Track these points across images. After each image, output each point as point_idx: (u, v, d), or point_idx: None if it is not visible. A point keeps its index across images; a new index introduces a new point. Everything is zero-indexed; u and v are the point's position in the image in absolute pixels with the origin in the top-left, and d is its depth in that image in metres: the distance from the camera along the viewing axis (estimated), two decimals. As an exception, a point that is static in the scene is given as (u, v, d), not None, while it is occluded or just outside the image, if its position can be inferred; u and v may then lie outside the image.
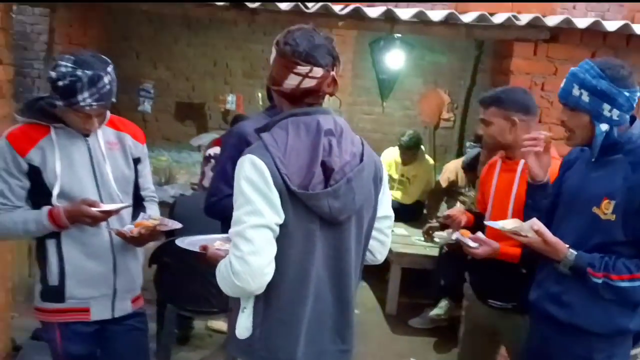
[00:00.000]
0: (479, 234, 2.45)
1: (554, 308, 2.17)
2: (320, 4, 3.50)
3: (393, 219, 2.00)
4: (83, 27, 6.24)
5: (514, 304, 2.52)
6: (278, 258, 1.68)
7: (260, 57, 7.30)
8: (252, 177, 1.65)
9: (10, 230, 2.15)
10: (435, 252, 4.70)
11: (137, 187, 2.41)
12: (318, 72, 1.70)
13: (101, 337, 2.32)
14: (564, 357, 2.19)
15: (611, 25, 3.52)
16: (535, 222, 2.08)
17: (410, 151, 5.55)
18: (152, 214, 2.35)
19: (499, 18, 3.55)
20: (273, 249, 1.66)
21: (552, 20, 3.55)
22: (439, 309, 4.71)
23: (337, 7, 3.56)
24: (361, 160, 1.78)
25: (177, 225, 2.32)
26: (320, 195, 1.71)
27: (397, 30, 3.69)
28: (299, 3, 3.45)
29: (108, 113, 2.29)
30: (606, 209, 2.00)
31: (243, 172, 1.66)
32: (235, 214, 1.67)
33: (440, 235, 4.34)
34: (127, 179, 2.34)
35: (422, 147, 5.71)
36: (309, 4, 3.52)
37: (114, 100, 2.19)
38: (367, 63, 6.89)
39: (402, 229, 5.34)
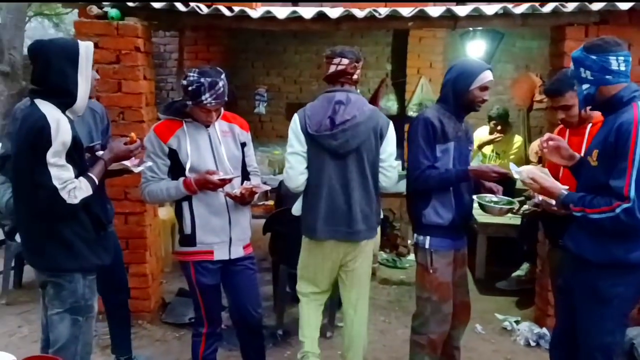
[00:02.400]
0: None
1: (570, 243, 2.68)
2: (390, 9, 4.14)
3: (394, 163, 3.08)
4: (206, 45, 7.30)
5: None
6: (308, 171, 3.04)
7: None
8: (292, 124, 3.01)
9: (158, 195, 3.03)
10: (518, 221, 5.05)
11: (244, 164, 3.21)
12: (344, 62, 2.96)
13: (223, 273, 3.14)
14: (577, 285, 2.65)
15: (655, 4, 3.85)
16: (530, 171, 2.65)
17: (498, 123, 5.93)
18: (253, 182, 3.15)
19: (547, 7, 4.00)
20: (302, 165, 3.02)
21: (596, 6, 3.93)
22: (521, 271, 5.19)
23: (404, 10, 4.18)
24: (360, 121, 2.98)
25: (267, 187, 3.12)
26: (323, 136, 3.02)
27: (459, 26, 4.23)
28: (372, 10, 4.12)
29: (222, 109, 3.13)
30: (594, 157, 2.52)
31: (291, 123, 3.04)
32: None
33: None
34: (237, 158, 3.15)
35: (511, 124, 6.09)
36: (381, 10, 4.17)
37: (226, 99, 3.00)
38: (459, 54, 7.35)
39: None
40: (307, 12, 4.16)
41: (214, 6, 4.12)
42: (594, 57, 2.46)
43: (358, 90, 3.23)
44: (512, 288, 5.19)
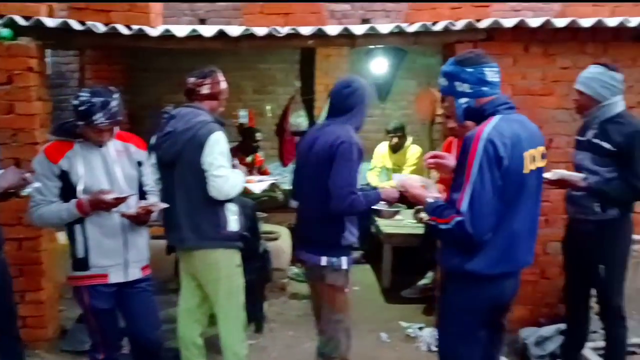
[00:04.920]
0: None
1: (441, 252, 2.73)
2: (289, 27, 4.22)
3: (214, 172, 3.10)
4: (108, 64, 7.14)
5: None
6: None
7: (268, 75, 8.07)
8: None
9: (49, 218, 2.93)
10: (421, 230, 5.19)
11: (141, 184, 3.17)
12: (191, 80, 3.32)
13: (119, 297, 3.06)
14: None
15: (534, 22, 4.12)
16: (401, 180, 2.76)
17: (396, 135, 6.23)
18: (149, 201, 3.11)
19: (438, 26, 4.20)
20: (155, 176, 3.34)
21: (483, 23, 4.17)
22: (426, 279, 5.36)
23: (304, 29, 4.26)
24: (178, 132, 3.17)
25: (164, 205, 3.09)
26: (151, 148, 3.30)
27: (357, 44, 4.36)
28: (272, 29, 4.18)
29: (115, 129, 3.07)
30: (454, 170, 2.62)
31: None
32: None
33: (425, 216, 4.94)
34: (133, 177, 3.10)
35: (407, 136, 6.39)
36: (280, 29, 4.23)
37: (120, 118, 2.95)
38: (365, 71, 7.56)
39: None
40: (207, 30, 4.16)
41: (111, 24, 4.04)
42: (469, 69, 2.45)
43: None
44: (417, 296, 5.34)
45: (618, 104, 3.31)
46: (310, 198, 3.17)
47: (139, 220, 3.00)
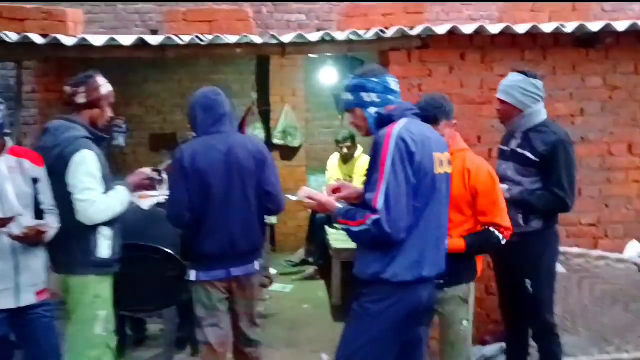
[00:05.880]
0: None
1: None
2: (214, 35, 4.06)
3: (78, 196, 2.85)
4: (57, 77, 6.92)
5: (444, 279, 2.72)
6: None
7: (223, 86, 7.85)
8: None
9: None
10: None
11: (38, 202, 2.96)
12: (66, 89, 3.03)
13: (12, 324, 2.86)
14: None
15: (467, 29, 3.99)
16: (305, 191, 2.62)
17: (345, 145, 6.10)
18: (40, 221, 2.90)
19: (369, 34, 4.05)
20: None
21: (415, 31, 4.03)
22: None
23: (232, 38, 4.11)
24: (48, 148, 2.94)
25: (56, 226, 2.89)
26: None
27: (287, 52, 4.20)
28: (195, 36, 4.01)
29: (8, 143, 2.88)
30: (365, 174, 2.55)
31: None
32: None
33: None
34: (27, 195, 2.89)
35: (357, 146, 6.24)
36: (206, 37, 4.07)
37: (7, 131, 2.78)
38: (319, 82, 7.44)
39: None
40: (126, 39, 3.99)
41: (23, 34, 3.86)
42: (375, 79, 2.51)
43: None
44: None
45: (541, 112, 3.20)
46: None
47: (28, 241, 2.80)
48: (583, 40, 4.16)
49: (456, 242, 2.84)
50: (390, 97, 2.52)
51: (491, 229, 2.88)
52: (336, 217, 2.53)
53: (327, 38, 4.08)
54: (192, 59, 6.63)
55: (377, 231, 2.30)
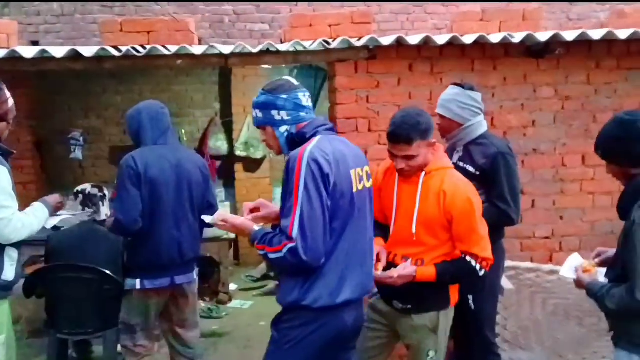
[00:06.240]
0: (393, 271, 2.63)
1: None
2: (150, 46, 3.91)
3: None
4: (13, 88, 6.72)
5: (411, 305, 2.71)
6: None
7: (185, 97, 7.73)
8: None
9: None
10: None
11: None
12: None
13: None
14: None
15: (413, 40, 3.89)
16: (220, 214, 2.47)
17: None
18: None
19: (314, 45, 3.93)
20: None
21: (361, 41, 3.91)
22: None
23: (172, 48, 3.96)
24: None
25: None
26: None
27: (230, 64, 4.06)
28: (131, 47, 3.87)
29: None
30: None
31: None
32: None
33: None
34: None
35: None
36: (140, 48, 3.92)
37: None
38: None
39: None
40: (58, 51, 3.84)
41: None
42: (284, 96, 2.32)
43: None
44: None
45: (482, 125, 3.10)
46: None
47: None
48: (534, 50, 4.07)
49: (426, 270, 2.63)
50: (301, 113, 2.36)
51: (467, 258, 2.64)
52: (252, 241, 2.36)
53: (272, 49, 3.95)
54: (130, 70, 6.49)
55: (293, 259, 2.19)
